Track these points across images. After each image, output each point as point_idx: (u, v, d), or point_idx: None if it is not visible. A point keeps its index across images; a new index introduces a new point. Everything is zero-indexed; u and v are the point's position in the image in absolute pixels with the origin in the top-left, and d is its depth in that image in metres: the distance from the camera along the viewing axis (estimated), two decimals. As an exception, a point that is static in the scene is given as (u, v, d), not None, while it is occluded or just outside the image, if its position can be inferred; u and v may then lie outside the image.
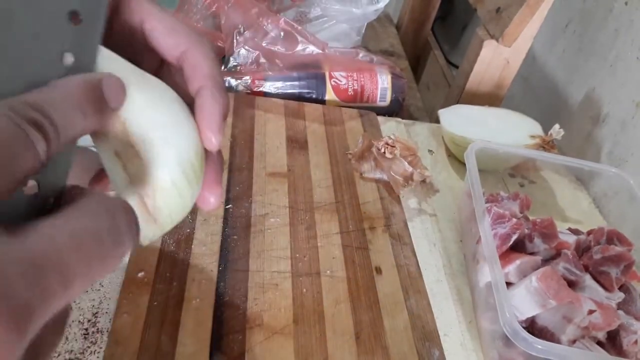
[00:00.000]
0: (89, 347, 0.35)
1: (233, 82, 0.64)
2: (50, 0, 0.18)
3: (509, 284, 0.41)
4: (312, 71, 0.67)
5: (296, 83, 0.66)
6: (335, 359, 0.37)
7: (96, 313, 0.37)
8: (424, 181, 0.55)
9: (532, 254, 0.43)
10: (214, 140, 0.24)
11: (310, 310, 0.40)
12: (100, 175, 0.26)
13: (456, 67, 1.07)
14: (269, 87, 0.65)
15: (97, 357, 0.35)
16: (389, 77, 0.68)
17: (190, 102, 0.24)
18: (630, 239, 0.45)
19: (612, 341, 0.40)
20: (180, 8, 0.65)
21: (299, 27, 0.66)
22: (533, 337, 0.35)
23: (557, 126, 0.59)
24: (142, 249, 0.41)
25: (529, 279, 0.39)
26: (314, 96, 0.66)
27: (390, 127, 0.64)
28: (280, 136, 0.58)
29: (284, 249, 0.44)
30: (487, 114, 0.63)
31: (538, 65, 0.85)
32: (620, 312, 0.41)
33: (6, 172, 0.17)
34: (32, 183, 0.19)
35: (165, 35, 0.25)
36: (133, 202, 0.22)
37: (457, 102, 0.71)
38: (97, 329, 0.36)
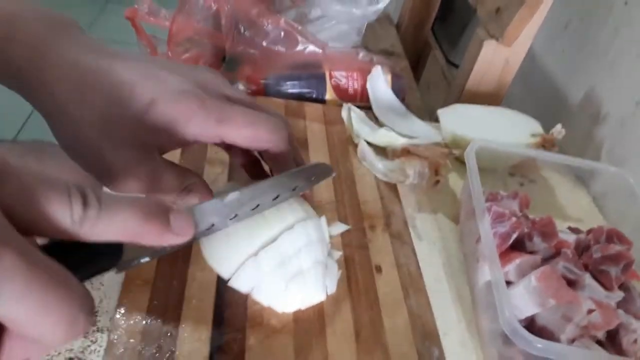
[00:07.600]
0: (89, 345, 0.35)
1: (233, 82, 0.64)
2: None
3: (508, 283, 0.41)
4: (313, 71, 0.67)
5: (296, 83, 0.66)
6: (335, 358, 0.37)
7: (96, 312, 0.37)
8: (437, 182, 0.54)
9: (531, 252, 0.43)
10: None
11: (310, 309, 0.40)
12: None
13: (456, 66, 1.07)
14: (270, 87, 0.65)
15: (98, 356, 0.35)
16: (389, 76, 0.68)
17: None
18: (630, 237, 0.45)
19: (611, 340, 0.40)
20: (181, 8, 0.65)
21: (299, 27, 0.66)
22: (533, 336, 0.35)
23: (559, 126, 0.59)
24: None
25: (528, 278, 0.39)
26: (314, 96, 0.66)
27: (390, 126, 0.64)
28: (281, 136, 0.58)
29: (284, 248, 0.44)
30: (487, 114, 0.63)
31: (538, 65, 0.85)
32: (620, 311, 0.40)
33: (38, 213, 0.20)
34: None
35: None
36: None
37: (457, 102, 0.71)
38: (98, 327, 0.36)
